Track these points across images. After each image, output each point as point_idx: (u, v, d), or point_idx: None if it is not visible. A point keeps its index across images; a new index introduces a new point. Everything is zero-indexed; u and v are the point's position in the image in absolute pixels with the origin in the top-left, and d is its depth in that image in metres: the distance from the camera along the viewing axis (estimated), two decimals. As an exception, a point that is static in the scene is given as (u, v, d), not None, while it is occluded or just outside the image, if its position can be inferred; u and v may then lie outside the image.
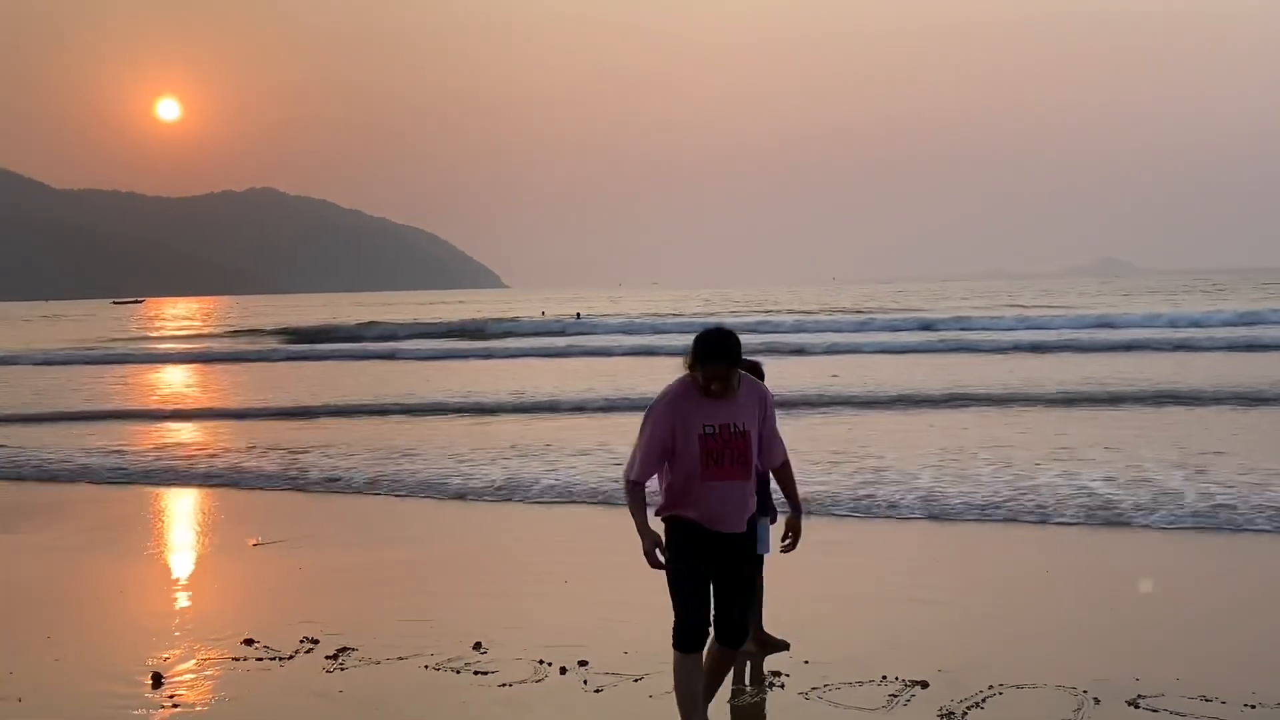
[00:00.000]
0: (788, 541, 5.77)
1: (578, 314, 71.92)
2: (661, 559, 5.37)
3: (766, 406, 5.51)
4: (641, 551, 5.39)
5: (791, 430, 5.96)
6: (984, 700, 6.22)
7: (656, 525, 5.47)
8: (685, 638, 5.38)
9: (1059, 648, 7.20)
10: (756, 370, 7.27)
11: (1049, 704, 6.15)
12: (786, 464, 5.76)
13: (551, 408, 22.74)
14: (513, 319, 65.56)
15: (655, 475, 5.45)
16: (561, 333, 54.06)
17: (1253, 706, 6.01)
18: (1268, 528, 10.47)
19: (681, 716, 5.52)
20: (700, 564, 5.37)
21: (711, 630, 5.52)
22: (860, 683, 6.55)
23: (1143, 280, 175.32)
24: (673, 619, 5.46)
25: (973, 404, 21.55)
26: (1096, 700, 6.16)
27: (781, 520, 6.08)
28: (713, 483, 5.30)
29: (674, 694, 5.54)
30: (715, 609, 5.50)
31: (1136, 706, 6.07)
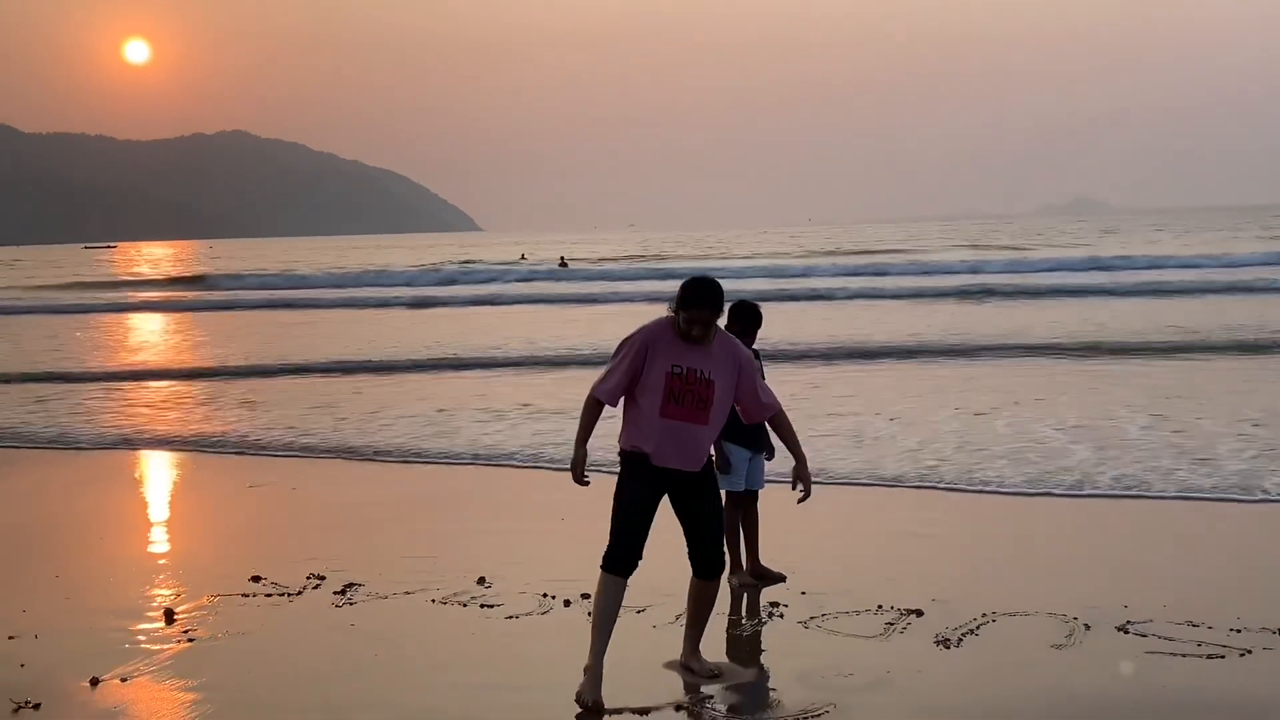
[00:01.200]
0: (801, 495, 5.90)
1: (562, 259, 64.83)
2: (584, 478, 5.64)
3: (740, 364, 5.62)
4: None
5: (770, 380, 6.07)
6: (978, 627, 6.41)
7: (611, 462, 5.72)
8: (610, 559, 5.59)
9: (1049, 578, 7.41)
10: (755, 314, 7.40)
11: (1041, 630, 6.35)
12: (781, 414, 5.83)
13: (549, 361, 22.79)
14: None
15: (619, 401, 5.61)
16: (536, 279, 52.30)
17: (1238, 631, 6.21)
18: (1238, 487, 10.63)
19: (592, 628, 5.61)
20: (645, 498, 5.57)
21: (691, 566, 5.76)
22: (857, 612, 6.73)
23: (1117, 219, 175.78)
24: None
25: (957, 355, 21.78)
26: (1087, 626, 6.36)
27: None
28: (670, 420, 5.50)
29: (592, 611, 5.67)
30: (689, 546, 5.74)
31: (1126, 632, 6.28)
